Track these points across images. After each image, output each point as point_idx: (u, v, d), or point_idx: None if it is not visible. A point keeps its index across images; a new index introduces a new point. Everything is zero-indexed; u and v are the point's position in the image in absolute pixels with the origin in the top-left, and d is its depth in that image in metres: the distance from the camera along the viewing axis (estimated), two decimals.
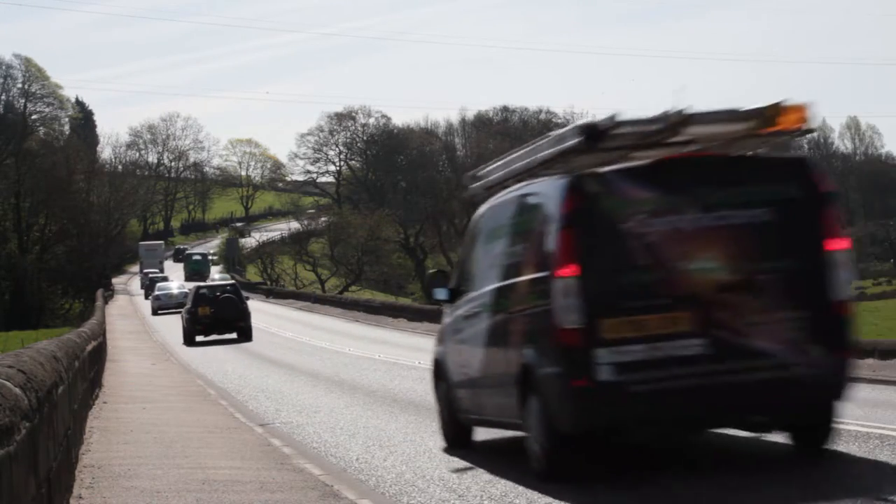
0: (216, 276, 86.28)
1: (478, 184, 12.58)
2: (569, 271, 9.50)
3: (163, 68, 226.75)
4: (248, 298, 43.06)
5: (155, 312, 63.41)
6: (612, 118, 9.73)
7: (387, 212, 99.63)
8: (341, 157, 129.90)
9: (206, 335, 40.08)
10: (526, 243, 10.44)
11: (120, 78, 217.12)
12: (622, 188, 9.69)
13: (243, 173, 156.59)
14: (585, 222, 9.60)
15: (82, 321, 45.31)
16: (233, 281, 52.86)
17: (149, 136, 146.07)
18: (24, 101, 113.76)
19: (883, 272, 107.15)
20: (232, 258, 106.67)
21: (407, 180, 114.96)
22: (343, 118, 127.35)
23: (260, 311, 62.29)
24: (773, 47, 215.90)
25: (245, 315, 40.06)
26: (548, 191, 10.15)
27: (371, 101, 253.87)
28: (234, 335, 40.12)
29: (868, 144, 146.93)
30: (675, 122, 9.86)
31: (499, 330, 10.84)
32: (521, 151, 11.15)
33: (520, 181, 11.13)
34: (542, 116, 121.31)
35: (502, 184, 11.72)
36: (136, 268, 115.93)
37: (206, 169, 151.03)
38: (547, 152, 10.25)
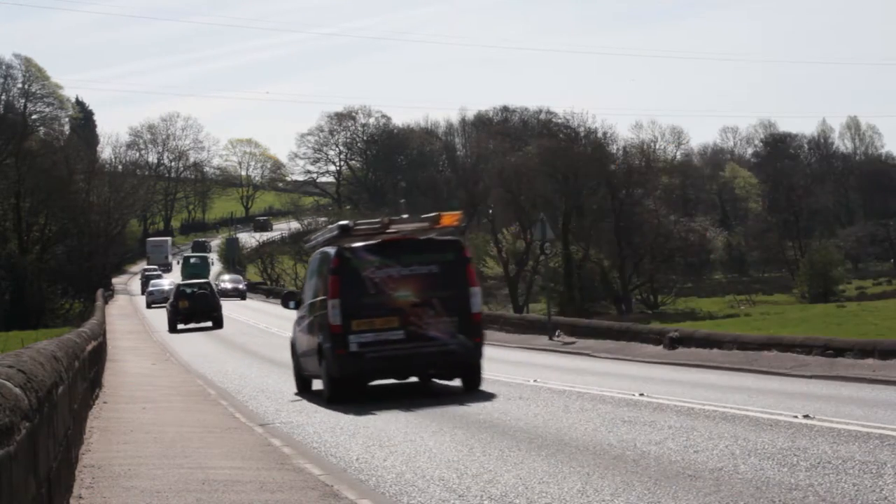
0: (225, 276, 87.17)
1: (308, 245, 24.89)
2: (335, 297, 18.11)
3: (163, 68, 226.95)
4: (245, 297, 51.27)
5: (148, 306, 70.81)
6: (354, 222, 20.03)
7: (387, 212, 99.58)
8: (341, 157, 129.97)
9: (185, 323, 48.85)
10: (320, 280, 19.14)
11: (120, 78, 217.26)
12: (361, 255, 18.29)
13: (243, 173, 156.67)
14: (343, 272, 18.18)
15: (82, 321, 45.30)
16: (208, 280, 59.94)
17: (149, 136, 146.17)
18: (24, 101, 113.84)
19: (883, 272, 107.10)
20: (232, 258, 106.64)
21: (407, 180, 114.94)
22: (343, 118, 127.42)
23: (260, 311, 62.33)
24: (773, 47, 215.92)
25: (217, 308, 49.55)
26: (329, 253, 18.74)
27: (371, 101, 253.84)
28: (209, 323, 48.98)
29: (868, 144, 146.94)
30: (386, 223, 19.26)
31: (311, 325, 19.52)
32: (323, 231, 21.60)
33: (324, 247, 19.82)
34: (542, 116, 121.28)
35: (316, 247, 20.85)
36: (137, 267, 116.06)
37: (206, 169, 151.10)
38: (328, 236, 19.96)
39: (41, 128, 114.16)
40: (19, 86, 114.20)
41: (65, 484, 8.57)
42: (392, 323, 17.92)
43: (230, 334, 44.18)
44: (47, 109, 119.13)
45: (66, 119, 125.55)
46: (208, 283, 52.81)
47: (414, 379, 19.43)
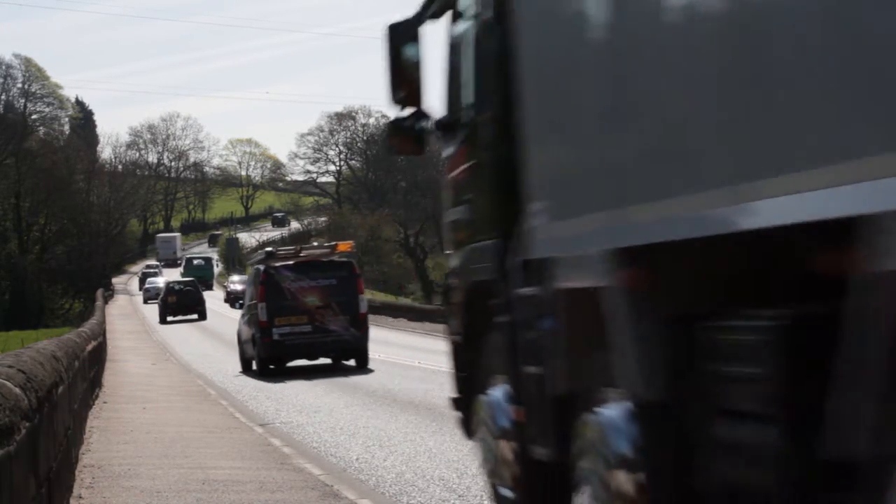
0: (235, 277, 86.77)
1: (249, 263, 32.93)
2: (262, 301, 24.51)
3: (163, 68, 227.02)
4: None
5: (145, 301, 77.36)
6: (276, 249, 27.70)
7: (387, 212, 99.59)
8: (341, 157, 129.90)
9: (174, 315, 57.25)
10: (254, 288, 25.66)
11: (120, 78, 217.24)
12: (281, 271, 24.91)
13: (243, 173, 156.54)
14: (268, 283, 24.65)
15: (82, 321, 45.32)
16: (193, 279, 66.60)
17: (149, 136, 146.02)
18: (24, 101, 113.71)
19: None
20: (232, 258, 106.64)
21: (407, 180, 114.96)
22: (343, 118, 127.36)
23: None
24: None
25: (201, 302, 58.20)
26: (260, 269, 25.46)
27: (371, 101, 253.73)
28: (195, 316, 57.25)
29: None
30: (298, 250, 26.44)
31: (248, 321, 25.82)
32: (257, 255, 29.08)
33: (257, 265, 26.59)
34: None
35: (254, 264, 28.37)
36: (137, 267, 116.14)
37: (206, 169, 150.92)
38: (260, 258, 26.90)
39: (41, 128, 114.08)
40: (19, 86, 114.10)
41: (65, 484, 8.58)
42: (303, 320, 24.82)
43: (231, 334, 44.19)
44: (47, 109, 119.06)
45: (66, 119, 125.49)
46: (194, 282, 62.28)
47: (326, 361, 26.10)
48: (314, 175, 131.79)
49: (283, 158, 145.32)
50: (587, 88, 4.82)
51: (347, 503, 9.55)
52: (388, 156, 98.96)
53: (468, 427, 7.99)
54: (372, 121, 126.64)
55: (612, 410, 4.84)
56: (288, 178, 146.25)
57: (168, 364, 31.65)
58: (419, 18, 7.75)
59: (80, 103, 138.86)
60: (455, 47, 7.32)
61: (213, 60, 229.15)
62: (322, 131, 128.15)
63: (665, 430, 4.42)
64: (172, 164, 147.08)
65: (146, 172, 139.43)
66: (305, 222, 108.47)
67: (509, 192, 6.00)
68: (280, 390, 21.67)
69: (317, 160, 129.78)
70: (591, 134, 4.87)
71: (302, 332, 24.72)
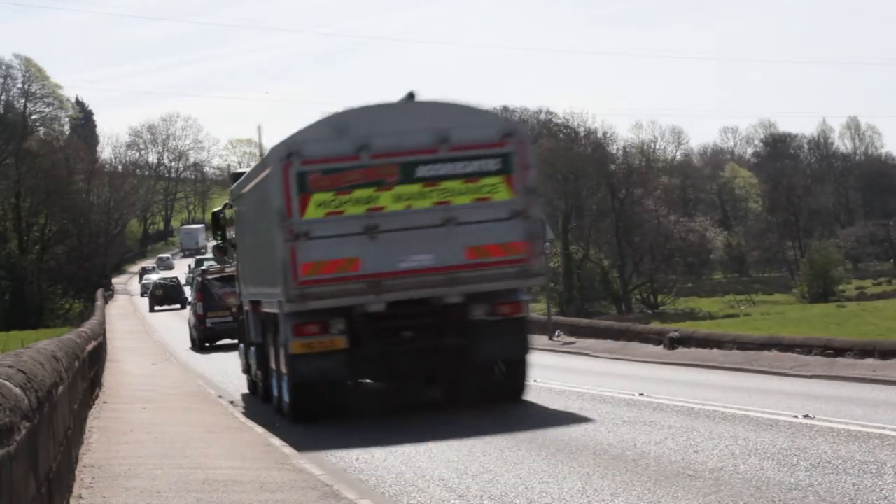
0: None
1: (194, 274, 49.47)
2: (199, 301, 37.96)
3: (163, 68, 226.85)
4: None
5: (142, 295, 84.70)
6: (210, 267, 40.83)
7: None
8: None
9: (160, 305, 70.33)
10: (195, 291, 39.30)
11: (120, 78, 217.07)
12: (212, 281, 37.48)
13: None
14: (204, 288, 37.84)
15: (82, 321, 45.34)
16: (176, 276, 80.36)
17: (149, 136, 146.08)
18: (24, 101, 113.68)
19: (883, 272, 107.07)
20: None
21: None
22: None
23: None
24: (773, 47, 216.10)
25: (181, 295, 68.53)
26: (199, 280, 39.04)
27: (371, 101, 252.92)
28: (177, 306, 68.23)
29: (868, 144, 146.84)
30: (223, 267, 36.50)
31: (192, 313, 39.81)
32: (196, 270, 52.30)
33: (198, 276, 40.61)
34: (542, 116, 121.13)
35: (196, 276, 43.08)
36: (137, 267, 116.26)
37: (206, 169, 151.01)
38: (199, 272, 42.19)
39: (41, 128, 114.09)
40: (19, 86, 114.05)
41: (65, 484, 8.57)
42: (226, 314, 35.05)
43: None
44: (47, 109, 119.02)
45: (66, 119, 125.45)
46: (176, 279, 76.54)
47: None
48: None
49: None
50: (247, 242, 20.33)
51: (347, 503, 9.55)
52: None
53: (243, 363, 22.41)
54: None
55: (258, 347, 19.74)
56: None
57: (168, 364, 31.65)
58: (221, 211, 23.47)
59: (80, 103, 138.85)
60: (227, 220, 23.02)
61: (213, 60, 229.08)
62: None
63: (261, 351, 19.17)
64: (172, 164, 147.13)
65: (146, 172, 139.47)
66: None
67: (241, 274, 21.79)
68: None
69: None
70: (250, 259, 19.99)
71: (225, 321, 35.92)
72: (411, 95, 16.34)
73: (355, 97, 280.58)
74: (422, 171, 15.67)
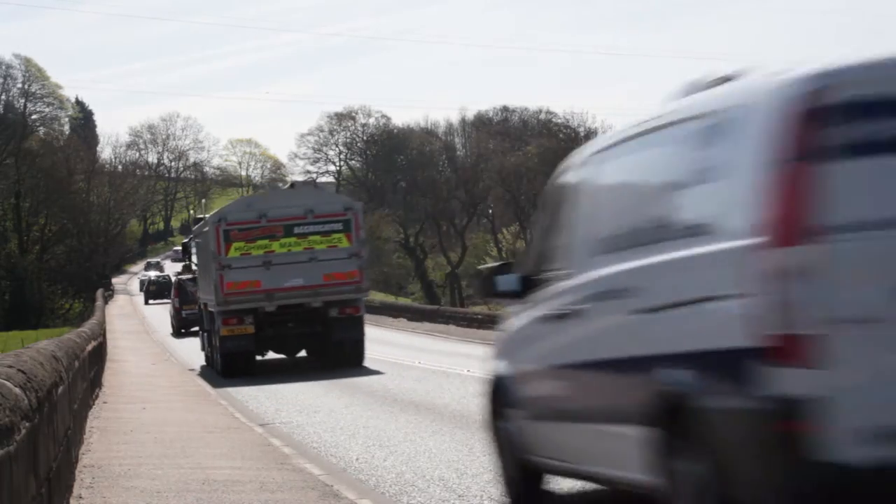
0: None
1: (175, 279, 55.43)
2: (176, 297, 49.36)
3: (163, 68, 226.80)
4: None
5: (140, 289, 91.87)
6: (185, 275, 48.90)
7: (387, 212, 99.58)
8: (341, 157, 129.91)
9: (154, 299, 78.95)
10: (173, 289, 51.93)
11: (120, 78, 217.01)
12: (186, 282, 45.62)
13: (243, 173, 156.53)
14: (180, 287, 48.03)
15: (82, 321, 45.38)
16: (167, 274, 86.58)
17: (149, 136, 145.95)
18: (24, 101, 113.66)
19: None
20: None
21: (407, 180, 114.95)
22: (343, 118, 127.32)
23: None
24: (772, 47, 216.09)
25: (170, 289, 74.40)
26: (175, 280, 54.40)
27: (371, 101, 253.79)
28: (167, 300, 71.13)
29: None
30: (195, 274, 35.84)
31: (172, 306, 53.13)
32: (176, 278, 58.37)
33: (175, 277, 56.09)
34: (542, 116, 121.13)
35: (177, 277, 55.51)
36: (137, 267, 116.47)
37: (206, 169, 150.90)
38: (177, 274, 56.50)
39: (41, 128, 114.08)
40: (19, 86, 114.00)
41: (65, 484, 8.58)
42: (195, 307, 36.77)
43: None
44: (47, 109, 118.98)
45: (66, 119, 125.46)
46: (167, 276, 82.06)
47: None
48: (314, 175, 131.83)
49: (283, 158, 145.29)
50: (200, 266, 30.36)
51: (347, 503, 9.55)
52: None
53: (202, 344, 31.07)
54: (372, 121, 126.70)
55: (206, 332, 29.31)
56: (288, 178, 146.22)
57: (168, 364, 31.66)
58: (188, 242, 34.33)
59: (80, 103, 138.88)
60: (191, 249, 33.54)
61: (213, 60, 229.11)
62: (322, 131, 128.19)
63: (208, 335, 28.59)
64: (172, 164, 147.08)
65: (146, 172, 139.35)
66: None
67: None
68: (280, 390, 21.67)
69: (317, 160, 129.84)
70: (201, 277, 30.44)
71: (195, 313, 39.08)
72: (293, 185, 30.30)
73: (355, 97, 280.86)
74: (297, 230, 25.82)
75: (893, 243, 5.40)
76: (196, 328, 38.17)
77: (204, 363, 30.07)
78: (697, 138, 6.35)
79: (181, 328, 47.78)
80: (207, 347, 29.49)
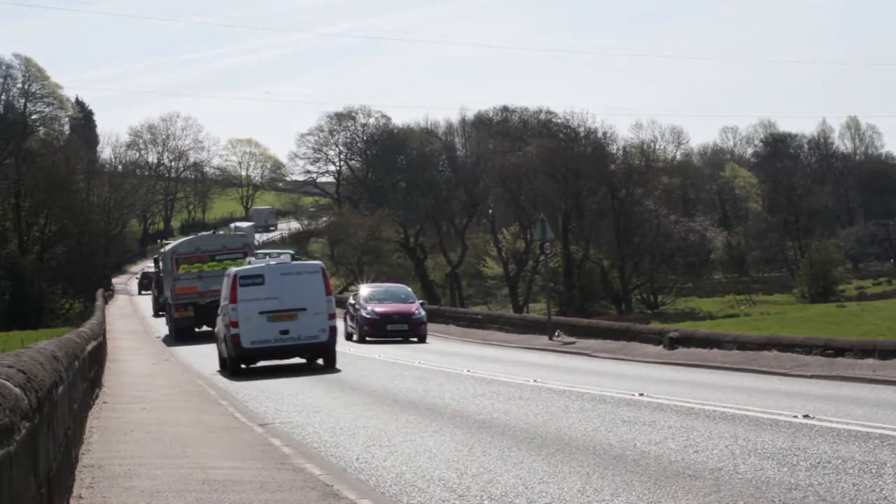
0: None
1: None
2: (156, 290, 63.23)
3: (163, 68, 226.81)
4: None
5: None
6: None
7: (387, 212, 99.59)
8: (341, 157, 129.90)
9: (145, 290, 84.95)
10: (153, 283, 71.12)
11: (120, 78, 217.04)
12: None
13: (243, 173, 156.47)
14: (159, 282, 58.16)
15: (82, 321, 45.38)
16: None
17: (149, 136, 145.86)
18: (24, 101, 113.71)
19: (883, 272, 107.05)
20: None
21: (407, 180, 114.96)
22: (343, 118, 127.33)
23: None
24: (772, 47, 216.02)
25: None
26: (154, 278, 70.36)
27: (371, 101, 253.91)
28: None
29: (868, 144, 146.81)
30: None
31: (161, 302, 60.08)
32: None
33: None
34: (542, 116, 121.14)
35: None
36: (137, 267, 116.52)
37: (206, 169, 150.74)
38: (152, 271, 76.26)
39: (41, 128, 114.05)
40: (19, 86, 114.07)
41: (65, 484, 8.58)
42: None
43: None
44: (47, 109, 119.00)
45: (66, 119, 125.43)
46: (156, 271, 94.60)
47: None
48: (314, 175, 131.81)
49: (283, 158, 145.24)
50: (163, 277, 50.02)
51: (347, 503, 9.55)
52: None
53: (167, 322, 46.28)
54: (372, 121, 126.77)
55: (168, 316, 45.78)
56: (288, 178, 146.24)
57: (168, 364, 31.66)
58: (156, 262, 65.39)
59: (80, 103, 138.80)
60: (159, 266, 55.62)
61: (213, 60, 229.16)
62: (322, 131, 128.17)
63: (168, 318, 45.64)
64: (172, 164, 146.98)
65: (146, 172, 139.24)
66: (305, 222, 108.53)
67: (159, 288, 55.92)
68: (280, 390, 21.66)
69: (317, 160, 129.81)
70: (163, 284, 50.29)
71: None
72: (215, 229, 61.31)
73: (355, 97, 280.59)
74: (217, 257, 41.78)
75: None
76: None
77: (166, 332, 45.67)
78: None
79: (158, 311, 60.01)
80: (169, 323, 45.31)
